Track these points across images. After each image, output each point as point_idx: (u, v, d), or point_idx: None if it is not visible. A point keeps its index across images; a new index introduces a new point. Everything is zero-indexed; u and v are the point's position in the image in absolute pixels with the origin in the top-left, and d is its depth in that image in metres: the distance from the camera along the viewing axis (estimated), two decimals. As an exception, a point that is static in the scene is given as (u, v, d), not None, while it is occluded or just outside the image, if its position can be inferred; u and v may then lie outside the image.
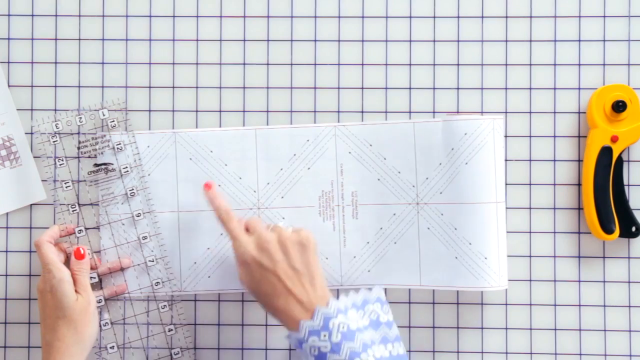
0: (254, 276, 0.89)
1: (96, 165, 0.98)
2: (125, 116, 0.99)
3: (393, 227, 0.97)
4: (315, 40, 1.00)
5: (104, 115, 0.98)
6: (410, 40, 0.99)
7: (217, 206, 0.93)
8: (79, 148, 0.98)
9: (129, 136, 0.98)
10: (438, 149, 0.96)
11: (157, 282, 0.98)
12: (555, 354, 0.99)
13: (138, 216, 0.98)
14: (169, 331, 0.98)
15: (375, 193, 0.97)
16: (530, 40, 0.99)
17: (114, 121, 0.98)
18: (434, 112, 0.99)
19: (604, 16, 0.99)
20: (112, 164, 0.98)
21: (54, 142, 0.98)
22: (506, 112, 0.99)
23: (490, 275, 0.93)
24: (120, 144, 0.98)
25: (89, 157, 0.98)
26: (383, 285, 0.97)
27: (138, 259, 0.98)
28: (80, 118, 0.98)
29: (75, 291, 0.93)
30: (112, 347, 0.98)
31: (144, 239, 0.98)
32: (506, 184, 0.99)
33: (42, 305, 0.93)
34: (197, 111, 1.00)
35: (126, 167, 0.98)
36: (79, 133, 0.99)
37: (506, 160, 0.99)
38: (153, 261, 0.98)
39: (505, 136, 0.99)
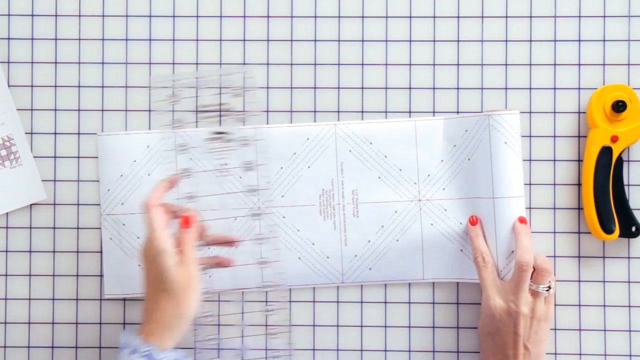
0: (487, 328, 0.93)
1: (215, 132, 0.96)
2: (253, 83, 0.96)
3: (395, 225, 0.97)
4: (315, 40, 1.00)
5: (228, 82, 0.96)
6: (410, 40, 0.99)
7: (475, 247, 0.94)
8: (201, 112, 0.96)
9: (254, 107, 0.96)
10: (439, 146, 0.97)
11: (267, 285, 0.97)
12: (555, 353, 0.99)
13: (251, 191, 0.95)
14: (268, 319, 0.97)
15: (376, 191, 0.98)
16: (530, 40, 0.99)
17: (238, 89, 0.97)
18: (434, 111, 0.99)
19: (604, 16, 0.99)
20: (232, 134, 0.95)
21: (173, 102, 0.96)
22: (506, 112, 0.99)
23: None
24: (242, 114, 0.96)
25: (210, 123, 0.96)
26: (384, 281, 0.97)
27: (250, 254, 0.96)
28: (203, 82, 0.95)
29: (179, 262, 0.86)
30: (208, 317, 0.97)
31: (257, 217, 0.94)
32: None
33: (146, 272, 0.88)
34: (197, 111, 1.00)
35: (245, 139, 0.95)
36: (196, 103, 0.97)
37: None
38: (265, 263, 0.96)
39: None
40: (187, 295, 0.86)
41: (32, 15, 1.00)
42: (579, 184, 0.99)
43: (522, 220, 0.93)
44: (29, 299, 1.00)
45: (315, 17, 1.00)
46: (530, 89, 0.99)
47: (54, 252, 1.00)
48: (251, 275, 0.97)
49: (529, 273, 0.91)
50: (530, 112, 0.99)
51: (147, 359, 0.84)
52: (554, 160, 0.99)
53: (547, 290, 0.92)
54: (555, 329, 0.99)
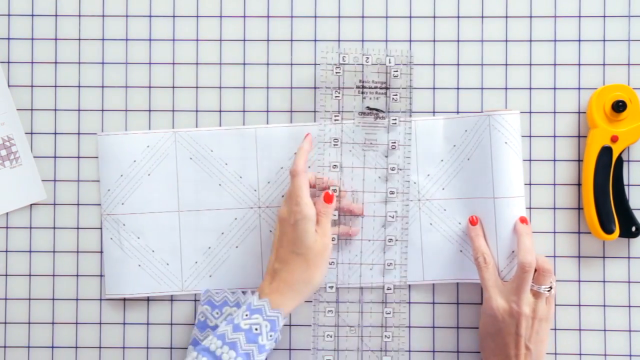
0: (488, 328, 0.93)
1: (369, 108, 0.97)
2: (410, 70, 0.97)
3: (395, 225, 0.97)
4: (314, 40, 1.00)
5: (389, 62, 0.97)
6: (410, 40, 0.99)
7: (476, 247, 0.94)
8: (358, 87, 0.97)
9: (408, 91, 0.97)
10: (439, 146, 0.98)
11: (390, 263, 0.97)
12: (555, 353, 0.99)
13: (392, 169, 0.97)
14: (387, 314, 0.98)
15: (376, 192, 0.97)
16: (530, 40, 0.99)
17: (397, 71, 0.97)
18: (434, 112, 0.99)
19: (604, 16, 0.99)
20: (384, 112, 0.97)
21: (337, 73, 0.97)
22: (506, 112, 0.99)
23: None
24: (397, 95, 0.97)
25: (364, 98, 0.97)
26: (385, 283, 0.97)
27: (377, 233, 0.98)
28: (367, 58, 0.97)
29: (316, 232, 0.91)
30: (331, 287, 0.98)
31: (391, 197, 0.96)
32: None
33: (280, 234, 0.91)
34: (197, 111, 1.00)
35: (395, 120, 0.97)
36: (360, 80, 0.97)
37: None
38: (392, 241, 0.97)
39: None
40: (319, 263, 0.90)
41: (32, 15, 1.00)
42: (579, 184, 0.99)
43: (523, 220, 0.93)
44: (29, 299, 1.00)
45: (315, 17, 1.00)
46: (530, 89, 0.99)
47: (54, 252, 1.00)
48: (376, 253, 0.98)
49: (531, 274, 0.91)
50: (530, 112, 0.99)
51: (270, 324, 0.88)
52: (554, 160, 0.99)
53: (548, 291, 0.92)
54: (555, 329, 0.99)
